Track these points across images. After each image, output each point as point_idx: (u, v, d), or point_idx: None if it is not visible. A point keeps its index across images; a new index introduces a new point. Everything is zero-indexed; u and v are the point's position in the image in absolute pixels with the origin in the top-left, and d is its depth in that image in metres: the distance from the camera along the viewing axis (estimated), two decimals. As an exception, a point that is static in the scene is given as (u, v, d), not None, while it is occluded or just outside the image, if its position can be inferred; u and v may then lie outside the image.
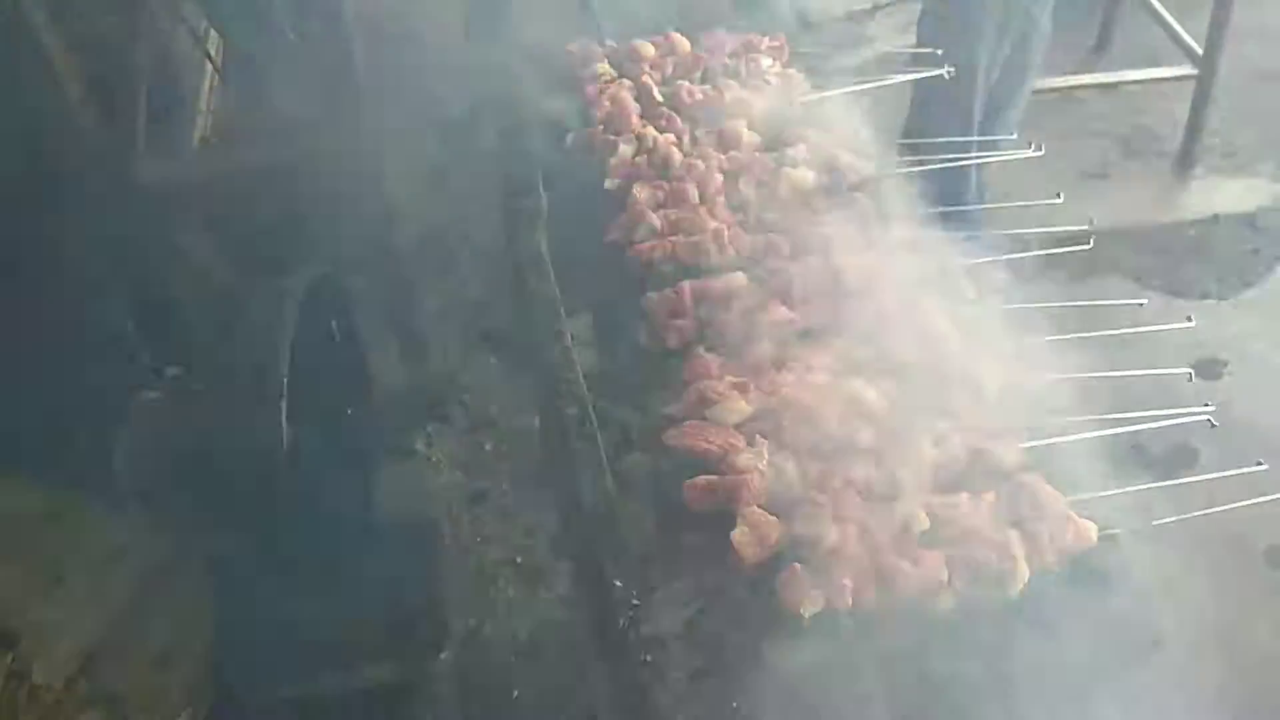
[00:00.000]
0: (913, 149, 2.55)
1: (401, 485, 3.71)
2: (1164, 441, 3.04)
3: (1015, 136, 2.86)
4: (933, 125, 2.88)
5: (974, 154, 2.53)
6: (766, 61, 2.61)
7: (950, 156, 2.50)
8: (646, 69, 2.52)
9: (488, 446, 3.89)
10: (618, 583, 1.63)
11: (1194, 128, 4.39)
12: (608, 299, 2.16)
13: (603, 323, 2.17)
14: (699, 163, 2.28)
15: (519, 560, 3.51)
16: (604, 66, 2.53)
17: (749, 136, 2.39)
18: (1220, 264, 4.13)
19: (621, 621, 1.57)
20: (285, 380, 2.08)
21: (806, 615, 1.53)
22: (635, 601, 1.61)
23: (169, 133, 3.24)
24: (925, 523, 1.65)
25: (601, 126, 2.35)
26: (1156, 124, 4.83)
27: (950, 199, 2.31)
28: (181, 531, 2.77)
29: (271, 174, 3.13)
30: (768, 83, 2.48)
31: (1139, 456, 2.97)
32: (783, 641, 1.55)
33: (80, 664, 2.70)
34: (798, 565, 1.57)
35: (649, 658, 1.52)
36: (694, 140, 2.37)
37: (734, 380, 1.81)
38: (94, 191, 2.80)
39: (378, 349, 3.10)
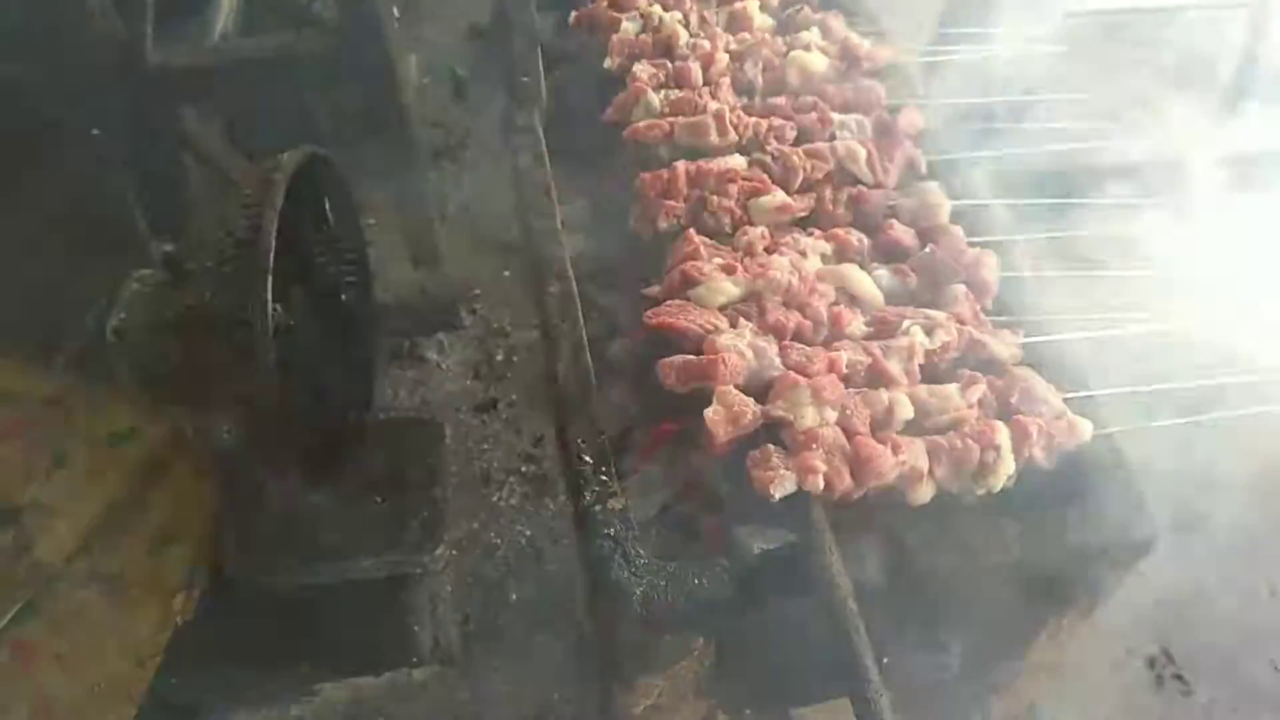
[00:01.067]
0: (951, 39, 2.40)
1: (409, 389, 3.72)
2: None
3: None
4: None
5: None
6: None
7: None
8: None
9: (499, 356, 3.87)
10: (587, 459, 1.59)
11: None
12: (604, 183, 2.09)
13: (599, 207, 2.11)
14: (704, 43, 2.18)
15: (524, 470, 3.50)
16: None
17: (760, 19, 2.28)
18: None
19: (587, 497, 1.54)
20: (270, 256, 2.05)
21: (776, 496, 1.48)
22: (604, 477, 1.57)
23: (188, 24, 3.19)
24: (909, 411, 1.59)
25: (606, 3, 2.26)
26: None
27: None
28: (180, 414, 2.78)
29: (282, 64, 3.07)
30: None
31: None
32: (752, 524, 1.51)
33: (80, 543, 2.74)
34: (770, 446, 1.52)
35: (611, 532, 1.48)
36: (701, 20, 2.26)
37: (721, 262, 1.74)
38: (104, 69, 2.78)
39: (385, 250, 3.06)
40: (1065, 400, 1.64)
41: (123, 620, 2.78)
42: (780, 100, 2.13)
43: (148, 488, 2.92)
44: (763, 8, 2.34)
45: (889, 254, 1.86)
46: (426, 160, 3.65)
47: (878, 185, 1.97)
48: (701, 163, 1.96)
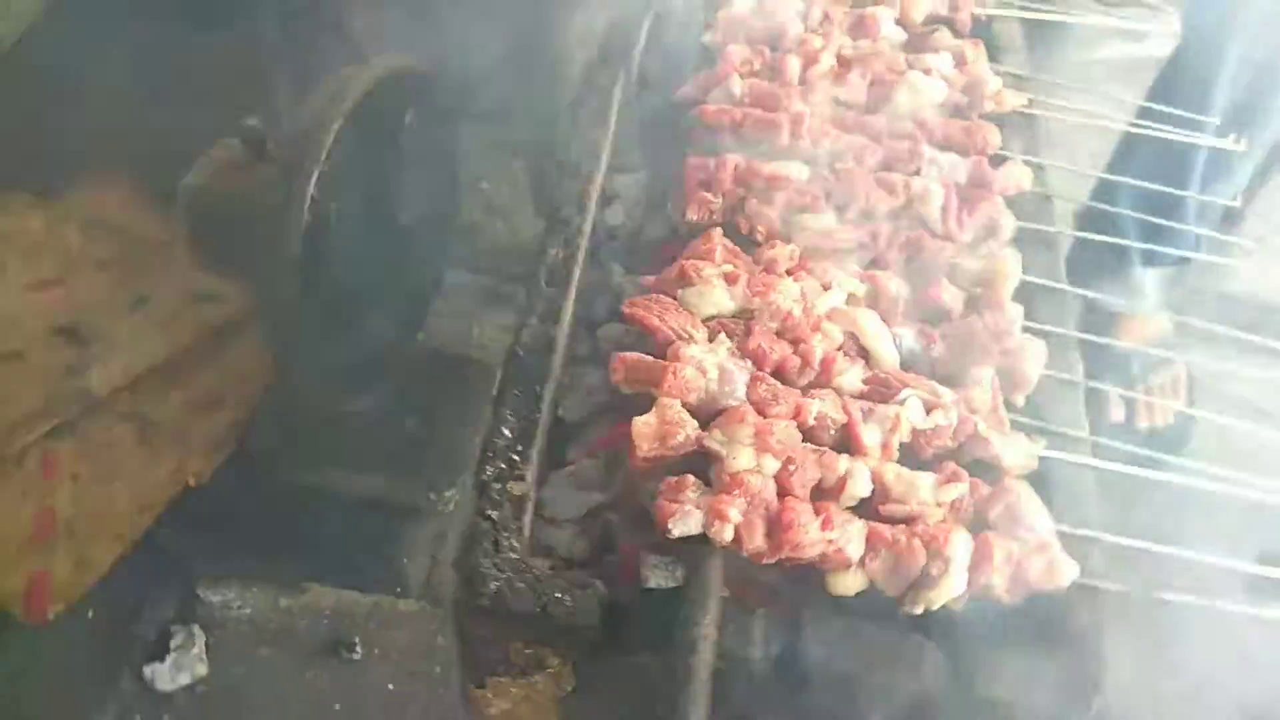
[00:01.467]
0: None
1: (494, 332, 3.70)
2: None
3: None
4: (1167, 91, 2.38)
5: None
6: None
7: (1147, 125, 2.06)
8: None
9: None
10: (506, 432, 1.48)
11: None
12: (664, 159, 1.95)
13: (653, 184, 1.97)
14: (816, 40, 1.99)
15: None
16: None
17: (890, 30, 2.06)
18: None
19: (488, 472, 1.42)
20: (322, 151, 2.04)
21: (675, 533, 1.31)
22: (515, 457, 1.45)
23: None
24: (865, 488, 1.38)
25: (726, -21, 2.11)
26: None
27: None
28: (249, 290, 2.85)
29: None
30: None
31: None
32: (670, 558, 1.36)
33: (129, 381, 2.86)
34: (691, 477, 1.35)
35: (494, 515, 1.37)
36: (824, 18, 2.07)
37: (729, 269, 1.57)
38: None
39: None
40: (1062, 535, 1.38)
41: (142, 464, 2.90)
42: (877, 119, 1.91)
43: (211, 351, 3.03)
44: (901, 20, 2.11)
45: (927, 314, 1.63)
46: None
47: (946, 237, 1.73)
48: (755, 161, 1.78)
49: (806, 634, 1.32)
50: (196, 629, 2.81)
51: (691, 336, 1.52)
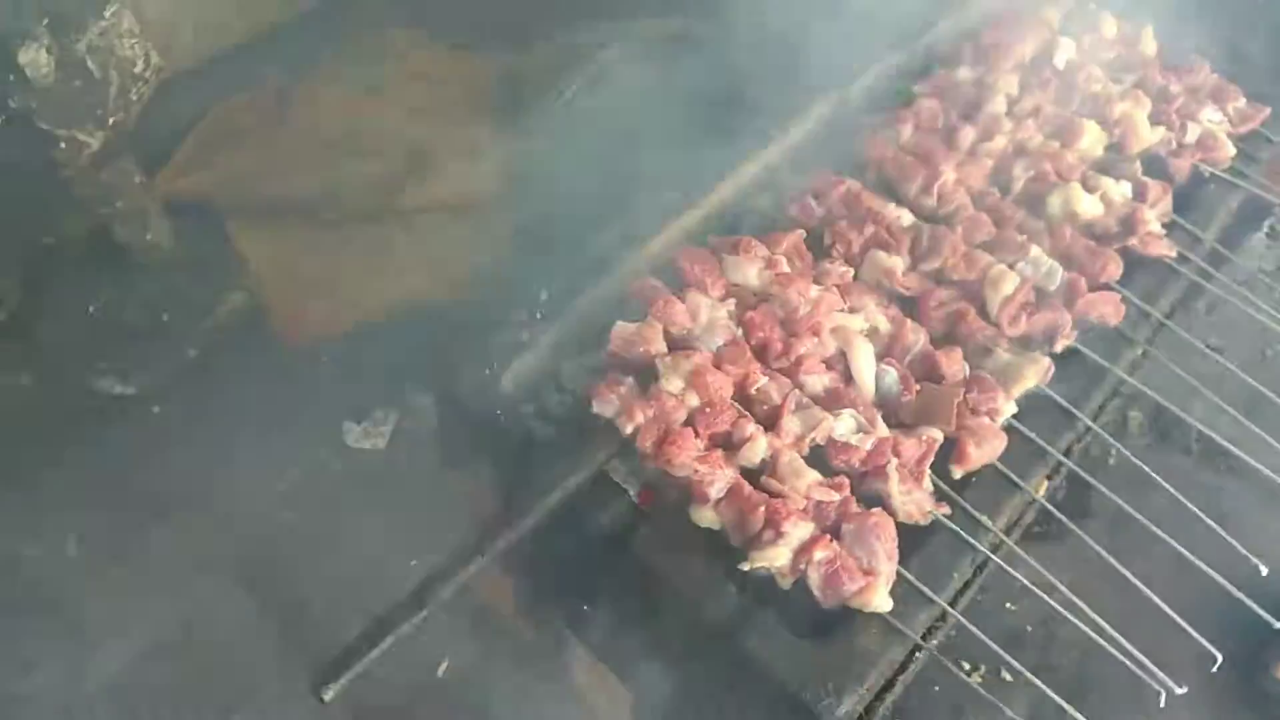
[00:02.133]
0: None
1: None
2: None
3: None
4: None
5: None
6: (1213, 114, 2.25)
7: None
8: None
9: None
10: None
11: None
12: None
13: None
14: (1007, 121, 2.15)
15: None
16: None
17: (1091, 140, 2.16)
18: None
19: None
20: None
21: (594, 410, 1.65)
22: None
23: None
24: (758, 454, 1.64)
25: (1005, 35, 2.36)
26: None
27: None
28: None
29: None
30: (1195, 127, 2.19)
31: None
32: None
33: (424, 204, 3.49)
34: (630, 380, 1.68)
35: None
36: (1036, 109, 2.21)
37: (766, 255, 1.85)
38: None
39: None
40: (900, 576, 1.54)
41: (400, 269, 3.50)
42: (1013, 208, 2.04)
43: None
44: (1119, 146, 2.19)
45: (922, 367, 1.80)
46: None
47: (996, 325, 1.86)
48: (867, 193, 2.00)
49: (643, 529, 1.60)
50: (393, 414, 3.22)
51: (705, 286, 1.81)
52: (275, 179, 3.63)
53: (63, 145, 2.94)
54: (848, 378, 1.78)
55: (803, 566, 1.53)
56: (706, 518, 1.61)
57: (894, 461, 1.64)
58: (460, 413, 1.81)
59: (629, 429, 1.64)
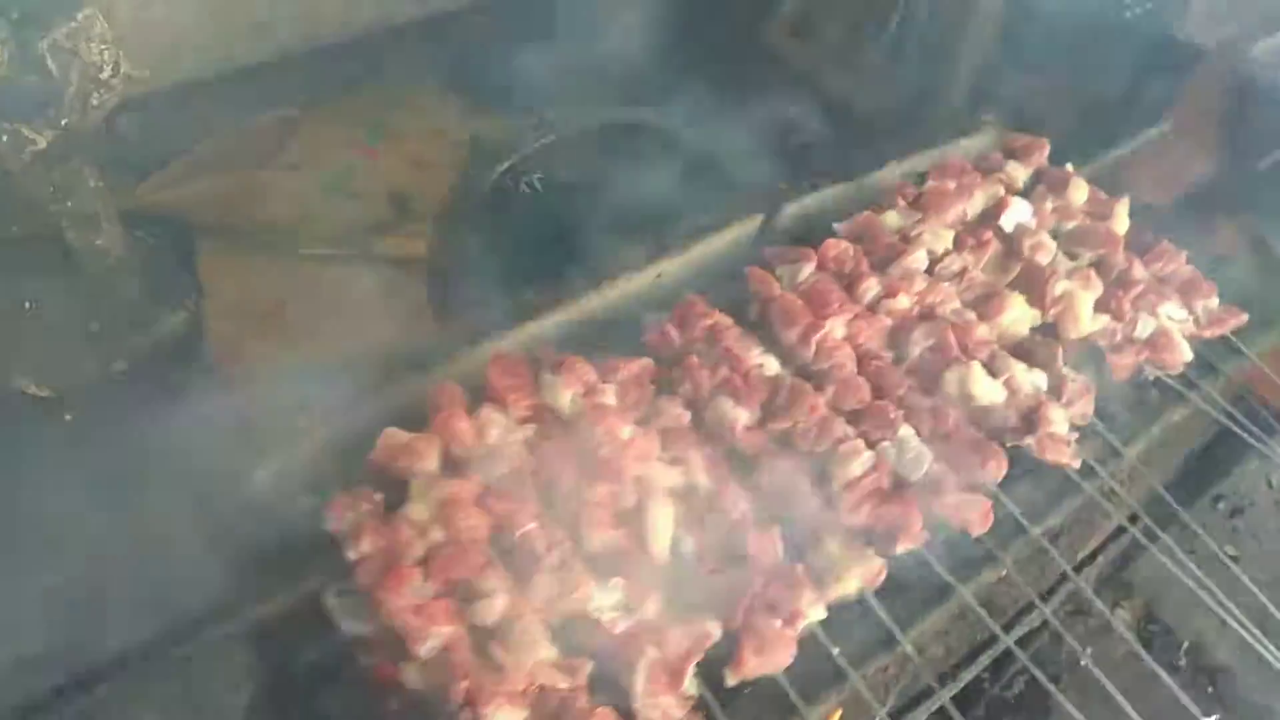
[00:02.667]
0: None
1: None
2: None
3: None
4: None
5: None
6: (1176, 311, 1.98)
7: None
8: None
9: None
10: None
11: None
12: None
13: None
14: (921, 280, 1.95)
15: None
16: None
17: (1011, 321, 1.91)
18: None
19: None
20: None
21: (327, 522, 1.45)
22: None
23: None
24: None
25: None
26: None
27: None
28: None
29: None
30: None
31: None
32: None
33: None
34: (369, 495, 1.48)
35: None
36: (960, 273, 1.97)
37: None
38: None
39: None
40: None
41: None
42: (898, 375, 1.80)
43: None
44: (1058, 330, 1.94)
45: (730, 543, 1.55)
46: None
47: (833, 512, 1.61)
48: (734, 330, 1.79)
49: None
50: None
51: (506, 403, 1.61)
52: (257, 205, 3.58)
53: (4, 139, 2.91)
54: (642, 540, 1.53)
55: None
56: (411, 678, 1.37)
57: (648, 655, 1.39)
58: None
59: (352, 555, 1.43)
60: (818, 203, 2.23)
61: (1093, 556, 2.42)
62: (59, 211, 3.35)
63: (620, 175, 2.61)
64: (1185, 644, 3.82)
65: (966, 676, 1.78)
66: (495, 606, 1.41)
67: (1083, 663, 2.05)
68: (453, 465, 1.57)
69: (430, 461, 1.54)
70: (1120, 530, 2.16)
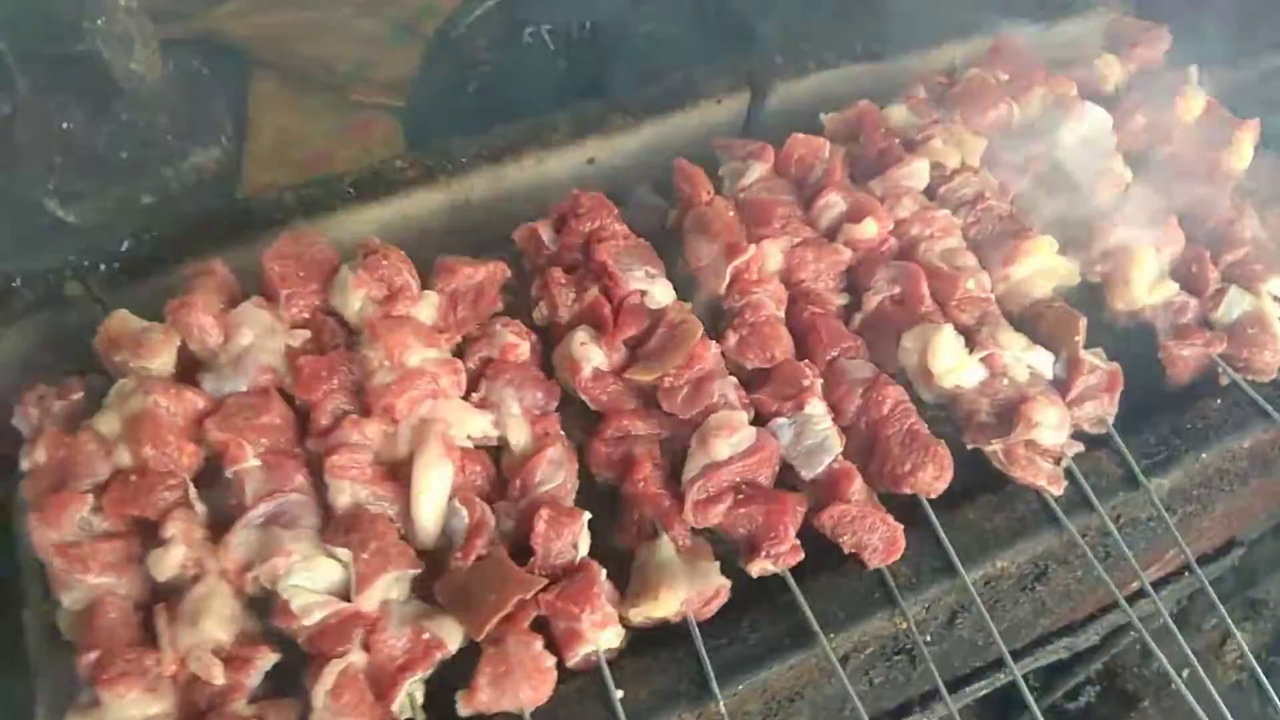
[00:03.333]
0: None
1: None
2: None
3: None
4: None
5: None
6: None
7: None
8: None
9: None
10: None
11: None
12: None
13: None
14: (910, 201, 1.41)
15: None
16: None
17: (1025, 272, 1.38)
18: None
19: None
20: None
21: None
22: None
23: None
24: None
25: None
26: None
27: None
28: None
29: None
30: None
31: None
32: None
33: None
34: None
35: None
36: (973, 203, 1.44)
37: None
38: None
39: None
40: None
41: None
42: (830, 329, 1.32)
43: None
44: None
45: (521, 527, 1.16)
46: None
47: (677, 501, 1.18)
48: (623, 244, 1.35)
49: None
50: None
51: (279, 300, 1.26)
52: (320, 44, 3.40)
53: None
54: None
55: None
56: (64, 625, 1.09)
57: (346, 660, 1.04)
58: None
59: (25, 463, 1.13)
60: (823, 85, 1.71)
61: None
62: (92, 30, 3.19)
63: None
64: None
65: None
66: (169, 560, 1.08)
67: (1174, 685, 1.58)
68: (190, 371, 1.24)
69: (159, 360, 1.21)
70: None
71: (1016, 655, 1.49)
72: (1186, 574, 1.52)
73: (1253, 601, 3.19)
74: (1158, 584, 1.56)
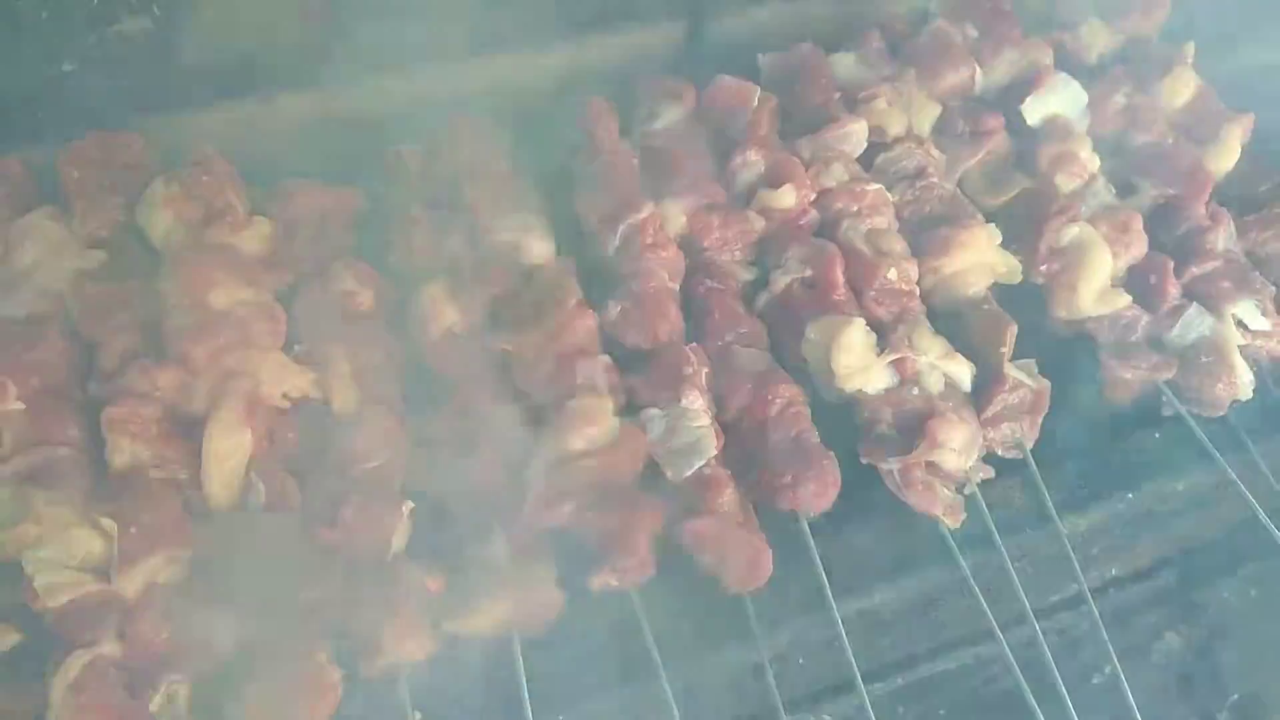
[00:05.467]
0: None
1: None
2: None
3: None
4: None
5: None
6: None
7: None
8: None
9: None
10: None
11: None
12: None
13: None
14: (841, 169, 1.25)
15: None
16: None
17: (958, 267, 1.22)
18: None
19: None
20: None
21: None
22: None
23: None
24: None
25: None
26: None
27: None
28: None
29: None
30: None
31: None
32: None
33: None
34: None
35: None
36: (915, 178, 1.28)
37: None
38: None
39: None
40: None
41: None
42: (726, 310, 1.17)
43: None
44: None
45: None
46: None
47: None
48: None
49: None
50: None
51: None
52: None
53: None
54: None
55: None
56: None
57: (85, 654, 0.91)
58: None
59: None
60: (776, 19, 1.53)
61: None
62: None
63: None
64: (1235, 696, 3.13)
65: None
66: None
67: (1095, 680, 1.48)
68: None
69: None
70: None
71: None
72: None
73: (1193, 604, 3.14)
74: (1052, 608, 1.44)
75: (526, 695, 0.98)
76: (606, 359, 1.14)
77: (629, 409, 1.12)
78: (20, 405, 1.00)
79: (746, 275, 1.25)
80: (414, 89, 1.40)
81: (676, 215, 1.23)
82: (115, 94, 1.28)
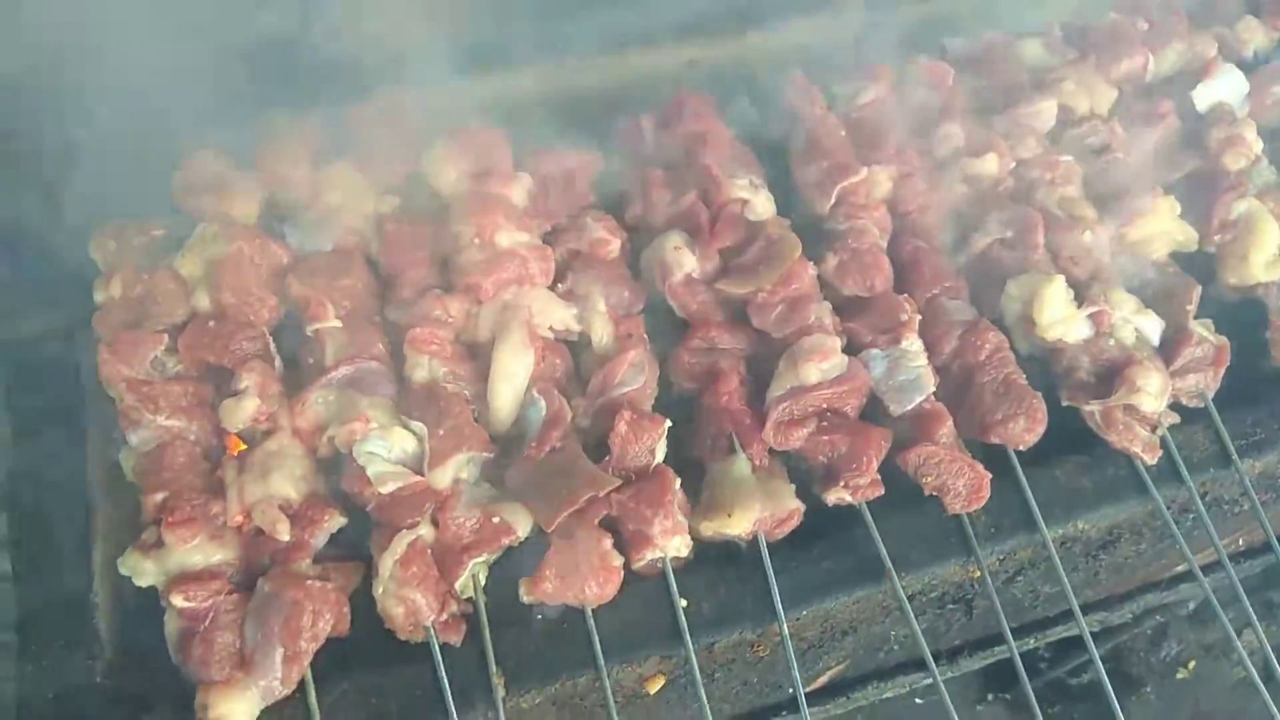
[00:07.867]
0: None
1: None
2: None
3: None
4: None
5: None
6: None
7: None
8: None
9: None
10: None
11: None
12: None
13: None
14: (1035, 143, 1.40)
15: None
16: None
17: (1147, 232, 1.37)
18: None
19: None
20: None
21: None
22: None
23: None
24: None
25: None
26: None
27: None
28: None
29: None
30: None
31: None
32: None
33: None
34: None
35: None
36: (1099, 153, 1.43)
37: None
38: None
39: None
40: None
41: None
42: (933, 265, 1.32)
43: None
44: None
45: (601, 424, 1.18)
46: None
47: (762, 419, 1.20)
48: (725, 148, 1.35)
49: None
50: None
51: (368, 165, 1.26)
52: None
53: None
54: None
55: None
56: (127, 465, 1.12)
57: (415, 532, 1.07)
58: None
59: (99, 295, 1.15)
60: (948, 8, 1.69)
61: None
62: None
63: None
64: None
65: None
66: (243, 411, 1.11)
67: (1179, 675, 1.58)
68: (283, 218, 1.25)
69: (242, 207, 1.22)
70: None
71: (1048, 624, 1.50)
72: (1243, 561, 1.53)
73: (1269, 603, 3.23)
74: (1209, 567, 1.57)
75: (776, 588, 1.14)
76: (829, 304, 1.30)
77: (848, 349, 1.28)
78: (338, 323, 1.17)
79: (947, 236, 1.41)
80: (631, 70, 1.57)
81: (884, 180, 1.39)
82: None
